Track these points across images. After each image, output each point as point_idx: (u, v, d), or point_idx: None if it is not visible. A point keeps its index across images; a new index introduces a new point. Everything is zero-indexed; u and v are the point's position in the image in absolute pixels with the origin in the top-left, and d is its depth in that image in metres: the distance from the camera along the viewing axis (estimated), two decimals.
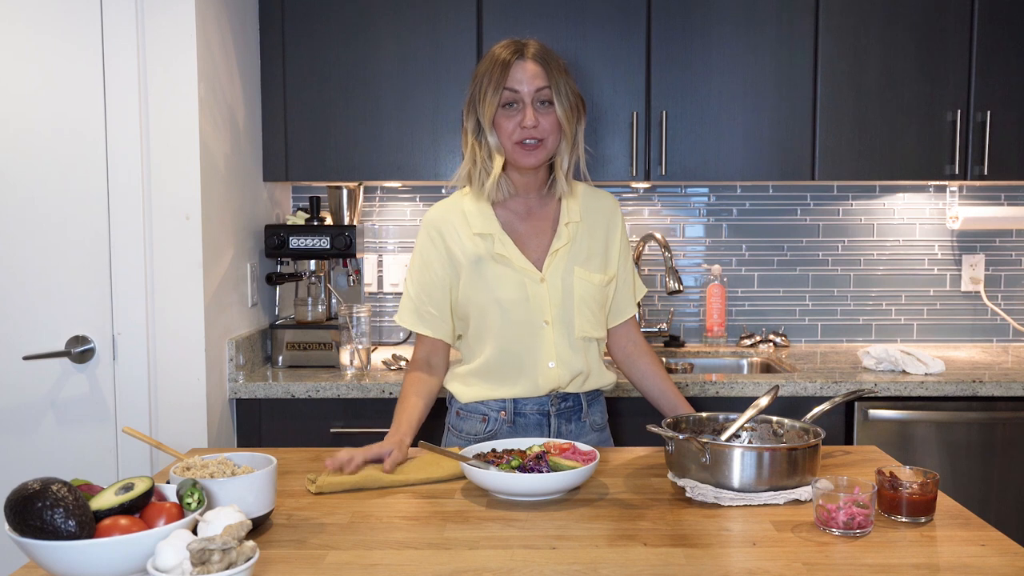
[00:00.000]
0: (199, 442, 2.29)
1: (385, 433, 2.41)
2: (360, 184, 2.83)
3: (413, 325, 1.84)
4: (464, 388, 1.83)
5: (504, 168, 1.76)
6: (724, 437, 1.57)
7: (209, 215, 2.32)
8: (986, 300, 3.07)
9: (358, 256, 2.74)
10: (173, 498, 1.21)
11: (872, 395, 2.41)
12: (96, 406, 2.27)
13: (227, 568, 1.04)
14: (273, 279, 2.70)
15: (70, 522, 1.06)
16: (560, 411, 1.81)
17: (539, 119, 1.70)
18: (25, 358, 2.22)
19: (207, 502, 1.22)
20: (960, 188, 3.04)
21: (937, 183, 2.98)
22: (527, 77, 1.70)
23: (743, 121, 2.69)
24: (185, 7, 2.23)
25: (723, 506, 1.42)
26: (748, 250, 3.08)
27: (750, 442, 1.63)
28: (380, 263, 3.07)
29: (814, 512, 1.34)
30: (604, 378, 1.87)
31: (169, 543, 1.06)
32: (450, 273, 1.79)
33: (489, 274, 1.76)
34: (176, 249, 2.26)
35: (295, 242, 2.64)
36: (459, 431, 1.86)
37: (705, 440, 1.47)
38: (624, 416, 2.38)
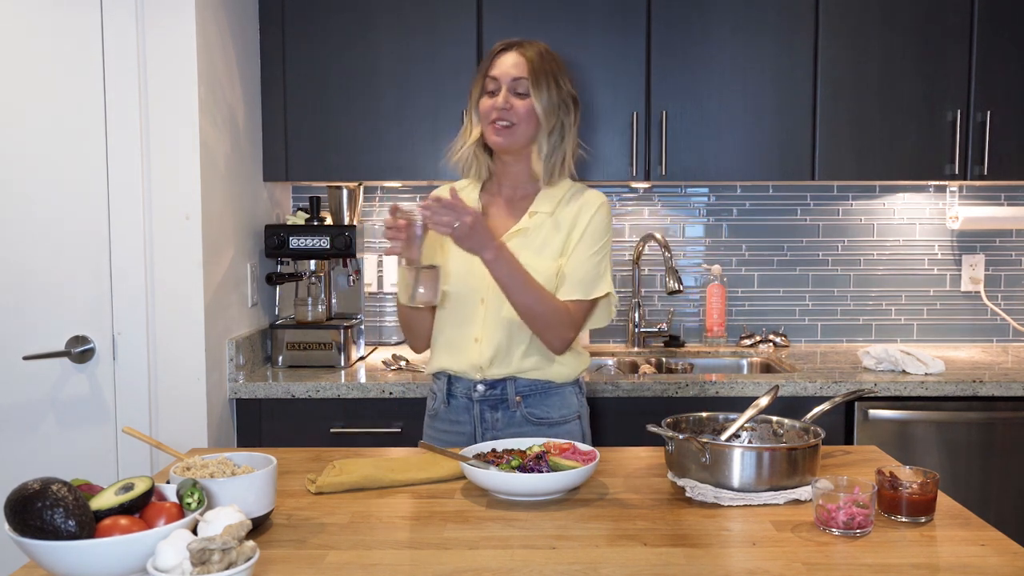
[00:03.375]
0: (199, 442, 2.29)
1: (384, 433, 2.42)
2: (360, 184, 2.83)
3: None
4: (431, 358, 1.93)
5: (493, 154, 1.89)
6: (724, 437, 1.57)
7: (209, 215, 2.32)
8: (986, 300, 3.07)
9: (358, 256, 2.73)
10: (173, 498, 1.21)
11: (872, 395, 2.41)
12: (96, 406, 2.27)
13: (227, 568, 1.04)
14: (273, 279, 2.70)
15: (70, 522, 1.06)
16: (484, 397, 1.84)
17: (512, 102, 1.79)
18: (25, 358, 2.22)
19: (207, 502, 1.22)
20: (960, 188, 3.04)
21: (937, 183, 2.98)
22: (507, 66, 1.81)
23: (743, 121, 2.69)
24: (185, 7, 2.23)
25: (723, 506, 1.42)
26: (748, 250, 3.08)
27: (750, 442, 1.63)
28: (380, 263, 3.07)
29: (814, 512, 1.34)
30: (528, 365, 1.82)
31: (169, 543, 1.06)
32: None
33: (452, 249, 1.81)
34: (176, 249, 2.26)
35: (295, 242, 2.64)
36: (426, 407, 1.98)
37: (705, 440, 1.47)
38: (624, 416, 2.39)
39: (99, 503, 1.13)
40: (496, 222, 1.87)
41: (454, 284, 1.85)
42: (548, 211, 1.84)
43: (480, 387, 1.84)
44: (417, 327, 1.92)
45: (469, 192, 1.91)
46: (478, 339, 1.82)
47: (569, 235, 1.83)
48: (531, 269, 1.78)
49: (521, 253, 1.79)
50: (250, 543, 1.08)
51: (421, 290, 1.69)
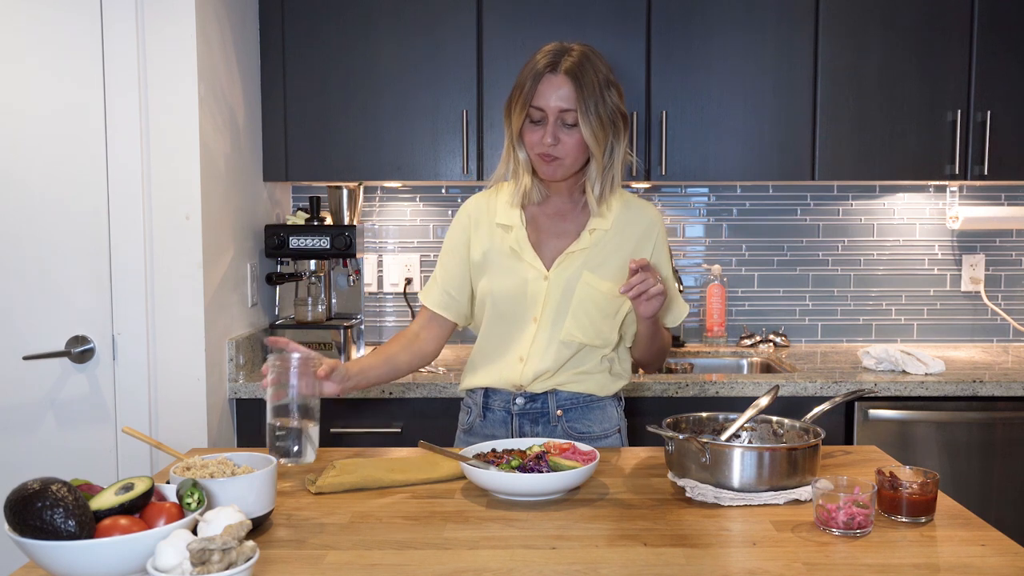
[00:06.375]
0: (199, 442, 2.29)
1: (384, 433, 2.42)
2: (360, 184, 2.83)
3: (431, 303, 1.86)
4: (465, 375, 1.88)
5: (536, 173, 1.77)
6: (724, 437, 1.57)
7: (209, 215, 2.32)
8: (986, 300, 3.07)
9: (358, 256, 2.74)
10: (173, 498, 1.21)
11: (872, 395, 2.41)
12: (96, 406, 2.27)
13: (227, 568, 1.04)
14: (273, 279, 2.70)
15: (70, 522, 1.06)
16: (523, 411, 1.80)
17: (560, 137, 1.68)
18: (25, 358, 2.22)
19: (207, 502, 1.22)
20: (960, 188, 3.05)
21: (937, 183, 2.98)
22: (553, 95, 1.66)
23: (743, 121, 2.69)
24: (185, 7, 2.23)
25: (723, 506, 1.42)
26: (748, 250, 3.08)
27: (750, 442, 1.63)
28: (380, 263, 3.07)
29: (814, 512, 1.34)
30: (570, 378, 1.78)
31: (169, 543, 1.06)
32: (468, 260, 1.83)
33: (495, 265, 1.78)
34: (176, 249, 2.26)
35: (295, 242, 2.64)
36: (459, 421, 1.93)
37: (705, 440, 1.47)
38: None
39: (99, 503, 1.13)
40: (550, 239, 1.79)
41: (504, 304, 1.78)
42: (606, 227, 1.76)
43: (520, 400, 1.79)
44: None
45: (507, 198, 1.81)
46: (523, 358, 1.77)
47: (632, 258, 1.72)
48: (591, 287, 1.74)
49: (582, 273, 1.75)
50: (250, 543, 1.08)
51: (295, 448, 1.50)
